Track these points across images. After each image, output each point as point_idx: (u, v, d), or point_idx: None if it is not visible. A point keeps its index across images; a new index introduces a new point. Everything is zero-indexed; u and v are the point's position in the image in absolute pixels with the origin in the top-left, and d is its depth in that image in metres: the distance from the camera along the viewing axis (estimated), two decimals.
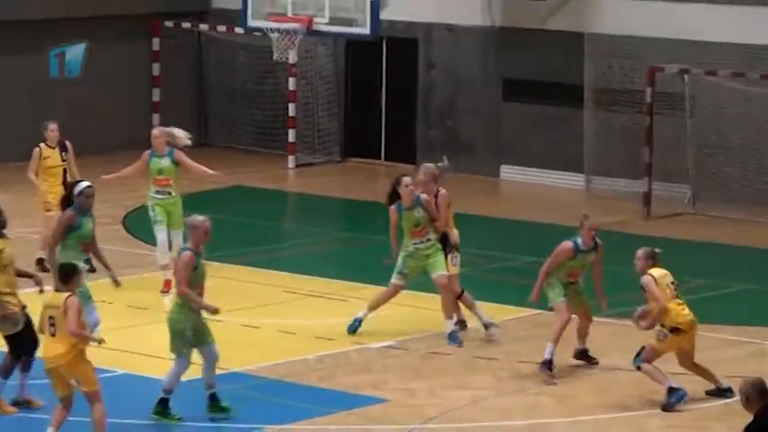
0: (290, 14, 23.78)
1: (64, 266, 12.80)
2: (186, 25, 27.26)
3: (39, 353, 13.29)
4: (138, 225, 20.80)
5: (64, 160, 18.76)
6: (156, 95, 27.49)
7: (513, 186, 25.18)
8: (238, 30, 26.01)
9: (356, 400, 14.22)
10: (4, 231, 13.76)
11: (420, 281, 16.34)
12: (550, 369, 14.74)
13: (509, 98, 25.75)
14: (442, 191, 16.10)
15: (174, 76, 27.59)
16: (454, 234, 16.17)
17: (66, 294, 12.45)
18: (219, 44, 27.62)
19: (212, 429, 13.42)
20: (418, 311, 16.69)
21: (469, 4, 25.46)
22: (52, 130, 18.81)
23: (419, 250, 15.89)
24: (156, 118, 27.34)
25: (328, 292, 18.11)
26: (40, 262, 18.51)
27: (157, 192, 17.86)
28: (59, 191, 18.32)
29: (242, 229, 21.58)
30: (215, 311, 13.35)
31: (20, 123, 25.72)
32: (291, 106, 26.56)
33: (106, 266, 14.63)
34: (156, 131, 18.32)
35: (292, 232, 22.83)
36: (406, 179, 15.93)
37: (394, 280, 16.03)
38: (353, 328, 16.07)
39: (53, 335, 12.41)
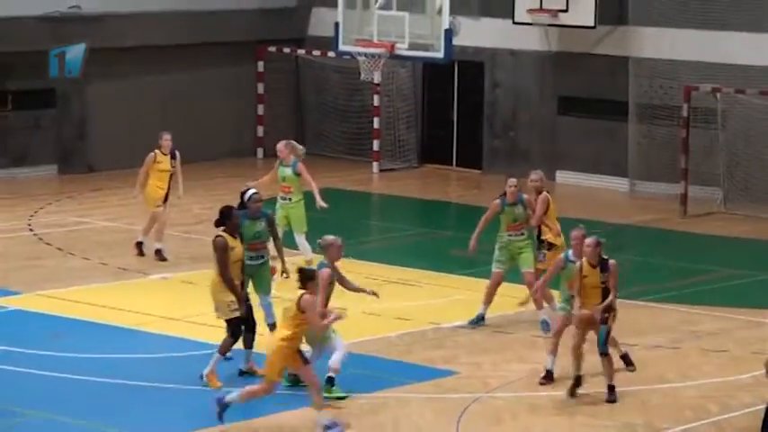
0: (375, 41, 23.77)
1: (302, 270, 12.59)
2: (286, 50, 27.38)
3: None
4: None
5: (173, 166, 18.85)
6: (260, 110, 27.64)
7: (566, 189, 25.06)
8: (331, 54, 26.06)
9: (431, 372, 14.22)
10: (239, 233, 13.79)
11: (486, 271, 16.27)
12: (549, 378, 13.82)
13: (563, 113, 25.65)
14: (543, 193, 15.97)
15: (276, 94, 27.72)
16: (549, 234, 15.73)
17: (301, 293, 12.34)
18: (314, 66, 27.71)
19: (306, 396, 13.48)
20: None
21: (529, 32, 25.37)
22: (166, 139, 18.95)
23: (512, 242, 15.73)
24: (260, 130, 27.52)
25: (407, 279, 18.13)
26: (157, 252, 18.64)
27: (281, 197, 17.72)
28: (164, 192, 18.60)
29: (332, 226, 21.55)
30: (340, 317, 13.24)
31: (148, 134, 25.99)
32: (376, 120, 26.61)
33: (281, 259, 14.60)
34: (282, 144, 18.00)
35: (376, 228, 22.89)
36: (512, 180, 15.90)
37: (494, 269, 15.78)
38: (475, 322, 15.78)
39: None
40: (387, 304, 16.16)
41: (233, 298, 13.54)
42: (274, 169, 17.91)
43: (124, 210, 22.31)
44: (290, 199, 17.74)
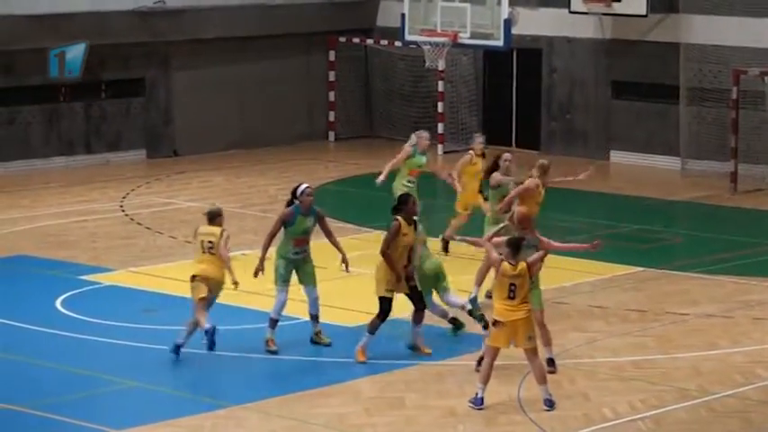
0: (439, 30, 23.76)
1: (512, 242, 12.20)
2: (356, 40, 27.39)
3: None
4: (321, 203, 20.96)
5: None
6: (331, 97, 27.69)
7: (620, 168, 24.91)
8: (397, 43, 26.07)
9: None
10: (416, 218, 13.60)
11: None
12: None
13: (617, 96, 25.47)
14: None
15: (346, 81, 27.76)
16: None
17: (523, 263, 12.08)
18: (382, 55, 27.70)
19: (387, 366, 13.51)
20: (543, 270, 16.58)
21: (584, 20, 25.19)
22: (480, 141, 17.49)
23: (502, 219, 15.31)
24: (331, 115, 27.59)
25: (471, 253, 17.98)
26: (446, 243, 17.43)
27: (408, 180, 17.22)
28: (474, 191, 17.21)
29: None
30: None
31: (227, 118, 26.20)
32: (440, 104, 26.56)
33: (342, 252, 13.96)
34: (424, 134, 17.61)
35: (441, 206, 22.80)
36: (507, 155, 15.75)
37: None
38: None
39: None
40: (452, 277, 16.13)
41: (390, 278, 13.36)
42: (406, 153, 17.32)
43: (207, 191, 22.48)
44: (415, 183, 17.36)
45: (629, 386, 12.94)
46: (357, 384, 12.93)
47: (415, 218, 13.62)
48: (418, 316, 13.66)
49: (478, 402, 12.21)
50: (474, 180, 17.33)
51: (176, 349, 13.53)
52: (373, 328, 13.48)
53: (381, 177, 17.51)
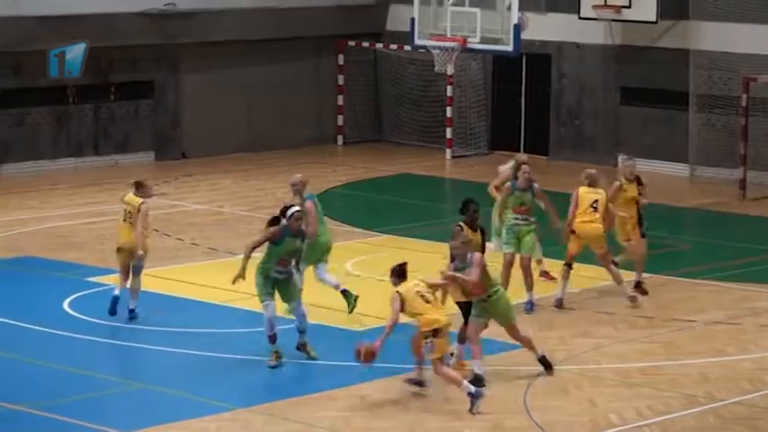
0: (448, 35, 23.73)
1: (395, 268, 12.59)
2: (365, 44, 27.38)
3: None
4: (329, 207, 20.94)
5: (640, 194, 16.14)
6: (340, 101, 27.68)
7: None
8: (407, 47, 26.04)
9: (501, 345, 14.09)
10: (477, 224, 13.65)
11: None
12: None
13: (626, 102, 25.43)
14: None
15: (355, 85, 27.75)
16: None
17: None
18: (391, 59, 27.69)
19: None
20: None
21: (594, 25, 25.15)
22: (627, 165, 16.45)
23: (518, 225, 15.34)
24: (340, 119, 27.58)
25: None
26: (638, 285, 15.97)
27: (516, 218, 15.53)
28: (633, 222, 15.98)
29: (409, 209, 21.65)
30: None
31: (236, 121, 26.20)
32: (449, 109, 26.54)
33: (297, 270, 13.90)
34: (525, 161, 16.08)
35: (449, 210, 22.78)
36: (525, 167, 15.50)
37: (504, 250, 15.37)
38: (528, 310, 15.26)
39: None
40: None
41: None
42: (505, 189, 15.96)
43: (215, 194, 22.46)
44: (526, 219, 16.01)
45: (636, 392, 12.89)
46: (363, 388, 12.90)
47: (479, 223, 13.65)
48: (465, 330, 13.44)
49: (478, 393, 12.11)
50: (629, 208, 15.96)
51: (130, 312, 14.81)
52: (462, 338, 13.32)
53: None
